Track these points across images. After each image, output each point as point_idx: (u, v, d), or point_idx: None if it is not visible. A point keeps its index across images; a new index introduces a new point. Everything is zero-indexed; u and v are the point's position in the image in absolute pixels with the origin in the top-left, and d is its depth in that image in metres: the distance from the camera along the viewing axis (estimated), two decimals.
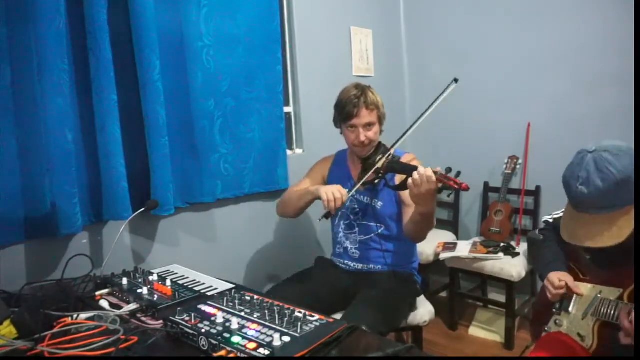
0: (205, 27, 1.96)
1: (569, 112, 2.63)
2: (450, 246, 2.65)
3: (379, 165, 1.63)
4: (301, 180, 1.99)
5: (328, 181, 1.95)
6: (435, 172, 1.36)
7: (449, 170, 1.40)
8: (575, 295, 1.37)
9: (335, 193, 1.58)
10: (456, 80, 1.60)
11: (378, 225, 1.82)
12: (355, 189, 1.68)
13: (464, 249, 2.59)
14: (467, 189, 1.33)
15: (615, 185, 1.12)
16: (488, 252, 2.52)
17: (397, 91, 3.23)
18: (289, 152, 2.49)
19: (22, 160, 1.52)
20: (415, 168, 1.43)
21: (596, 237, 1.17)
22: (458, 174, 1.38)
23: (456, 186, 1.34)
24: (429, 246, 2.66)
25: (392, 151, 1.67)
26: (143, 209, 1.69)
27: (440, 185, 1.36)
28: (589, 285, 1.35)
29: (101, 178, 1.68)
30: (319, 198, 1.64)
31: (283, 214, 2.00)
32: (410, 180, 1.39)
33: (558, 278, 1.37)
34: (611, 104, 2.46)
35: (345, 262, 1.89)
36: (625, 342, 1.14)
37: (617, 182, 1.12)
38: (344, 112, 1.71)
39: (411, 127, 1.65)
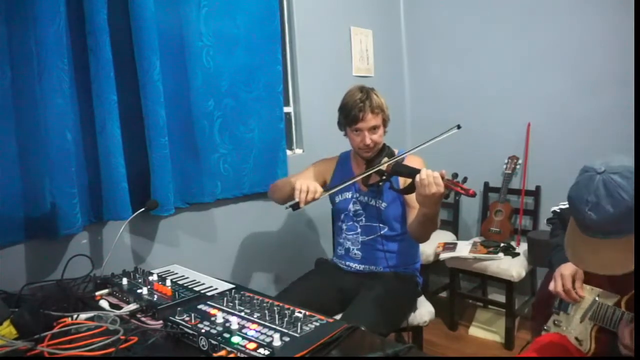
0: (205, 27, 1.96)
1: (569, 112, 2.63)
2: (450, 246, 2.65)
3: (383, 167, 1.63)
4: (298, 173, 1.98)
5: (331, 184, 1.94)
6: (442, 176, 1.36)
7: (455, 175, 1.40)
8: None
9: (309, 186, 1.58)
10: (459, 127, 1.62)
11: (381, 226, 1.82)
12: (338, 188, 1.69)
13: (464, 249, 2.59)
14: (474, 195, 1.34)
15: (627, 210, 1.05)
16: (488, 252, 2.52)
17: (397, 91, 3.23)
18: (289, 152, 2.49)
19: (22, 160, 1.52)
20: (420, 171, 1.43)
21: (604, 264, 1.11)
22: (465, 179, 1.38)
23: (463, 192, 1.34)
24: (429, 246, 2.66)
25: (402, 156, 1.67)
26: (143, 209, 1.70)
27: (447, 190, 1.37)
28: (588, 287, 1.34)
29: (101, 178, 1.68)
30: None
31: (271, 198, 1.98)
32: (417, 179, 1.39)
33: (572, 276, 1.34)
34: (611, 104, 2.46)
35: (347, 263, 1.89)
36: (624, 353, 1.13)
37: (629, 207, 1.05)
38: (350, 115, 1.71)
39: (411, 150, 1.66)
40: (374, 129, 1.72)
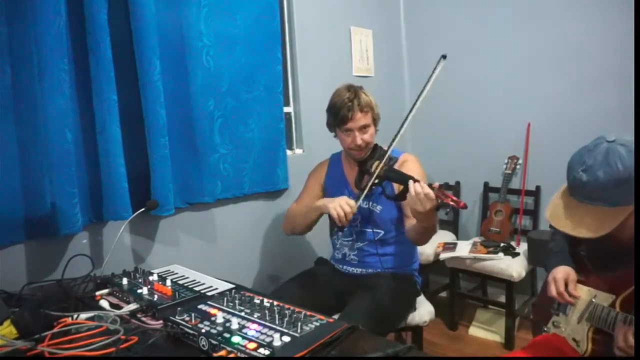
0: (205, 27, 1.96)
1: (569, 112, 2.63)
2: (450, 246, 2.65)
3: (377, 171, 1.60)
4: (300, 194, 1.98)
5: (325, 187, 1.94)
6: (432, 188, 1.35)
7: (445, 185, 1.39)
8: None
9: (344, 207, 1.55)
10: (444, 57, 1.55)
11: (376, 231, 1.80)
12: (363, 195, 1.62)
13: (464, 249, 2.59)
14: (465, 207, 1.32)
15: (616, 181, 1.07)
16: (488, 252, 2.52)
17: (397, 91, 3.23)
18: (289, 152, 2.49)
19: (22, 160, 1.52)
20: (410, 178, 1.41)
21: (574, 224, 1.13)
22: (455, 190, 1.38)
23: (453, 204, 1.32)
24: (429, 246, 2.66)
25: (389, 153, 1.63)
26: (143, 209, 1.70)
27: (438, 201, 1.35)
28: (585, 288, 1.33)
29: (101, 178, 1.68)
30: (328, 213, 1.62)
31: (292, 232, 1.93)
32: (408, 197, 1.38)
33: (565, 279, 1.34)
34: (611, 104, 2.46)
35: (345, 267, 1.88)
36: (618, 354, 1.13)
37: (619, 179, 1.07)
38: (338, 116, 1.68)
39: (410, 113, 1.62)
40: (364, 128, 1.70)
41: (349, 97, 1.68)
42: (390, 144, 1.63)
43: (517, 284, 2.47)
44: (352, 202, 1.57)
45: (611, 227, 1.09)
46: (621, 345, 1.10)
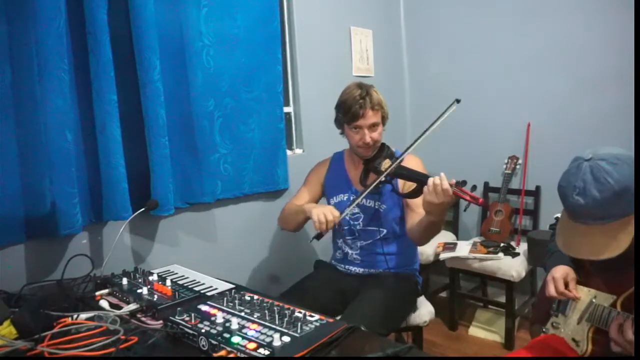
0: (205, 27, 1.96)
1: (569, 112, 2.63)
2: (450, 246, 2.65)
3: (385, 169, 1.60)
4: (299, 191, 1.96)
5: (325, 185, 1.93)
6: (450, 185, 1.34)
7: (463, 183, 1.39)
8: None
9: (327, 215, 1.55)
10: (458, 101, 1.58)
11: (380, 229, 1.80)
12: (352, 206, 1.63)
13: (464, 249, 2.59)
14: (483, 204, 1.33)
15: (614, 195, 1.06)
16: (488, 252, 2.52)
17: (397, 91, 3.23)
18: (289, 152, 2.49)
19: (22, 160, 1.52)
20: (426, 176, 1.41)
21: (593, 249, 1.12)
22: (474, 188, 1.38)
23: (472, 201, 1.33)
24: (429, 246, 2.66)
25: (403, 156, 1.64)
26: (143, 209, 1.70)
27: (456, 198, 1.35)
28: (585, 289, 1.33)
29: (101, 178, 1.68)
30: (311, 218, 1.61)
31: (283, 228, 1.97)
32: (425, 189, 1.38)
33: (564, 278, 1.34)
34: (611, 104, 2.47)
35: (346, 266, 1.88)
36: (615, 350, 1.12)
37: (615, 192, 1.06)
38: (349, 112, 1.68)
39: (415, 141, 1.62)
40: (373, 126, 1.70)
41: (361, 95, 1.68)
42: (409, 147, 1.63)
43: (517, 284, 2.47)
44: (337, 212, 1.57)
45: (628, 241, 1.07)
46: (614, 336, 1.11)
